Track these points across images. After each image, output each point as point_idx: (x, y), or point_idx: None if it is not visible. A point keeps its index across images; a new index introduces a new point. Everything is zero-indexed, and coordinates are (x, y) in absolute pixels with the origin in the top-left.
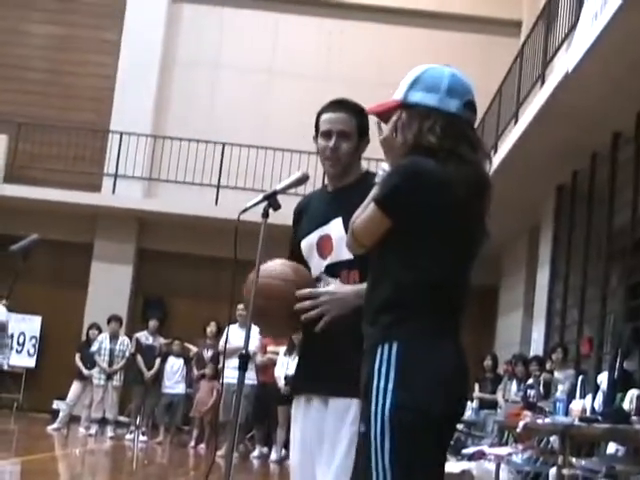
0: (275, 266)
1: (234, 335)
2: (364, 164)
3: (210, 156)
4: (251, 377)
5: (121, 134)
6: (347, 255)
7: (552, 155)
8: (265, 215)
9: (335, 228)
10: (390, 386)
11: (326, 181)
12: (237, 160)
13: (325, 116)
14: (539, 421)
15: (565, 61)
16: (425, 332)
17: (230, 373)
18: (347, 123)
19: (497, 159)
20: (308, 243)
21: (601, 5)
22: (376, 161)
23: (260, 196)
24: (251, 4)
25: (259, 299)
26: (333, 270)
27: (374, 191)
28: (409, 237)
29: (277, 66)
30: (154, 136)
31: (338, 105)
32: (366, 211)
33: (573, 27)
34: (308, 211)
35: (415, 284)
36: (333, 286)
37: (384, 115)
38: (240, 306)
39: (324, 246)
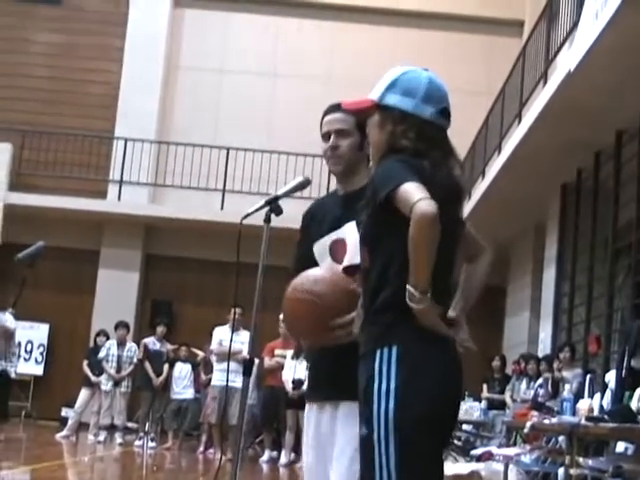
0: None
1: (225, 338)
2: None
3: (215, 161)
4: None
5: (126, 140)
6: (355, 260)
7: (556, 154)
8: (267, 220)
9: (349, 232)
10: (392, 387)
11: (333, 185)
12: (242, 164)
13: (324, 119)
14: (546, 421)
15: (567, 60)
16: (423, 333)
17: (222, 376)
18: (344, 121)
19: (501, 159)
20: (321, 246)
21: (601, 4)
22: None
23: (262, 201)
24: (252, 8)
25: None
26: (348, 273)
27: (373, 194)
28: (404, 236)
29: (280, 70)
30: (159, 142)
31: (336, 106)
32: (400, 199)
33: (575, 26)
34: (319, 215)
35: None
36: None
37: (359, 113)
38: (237, 310)
39: (338, 250)
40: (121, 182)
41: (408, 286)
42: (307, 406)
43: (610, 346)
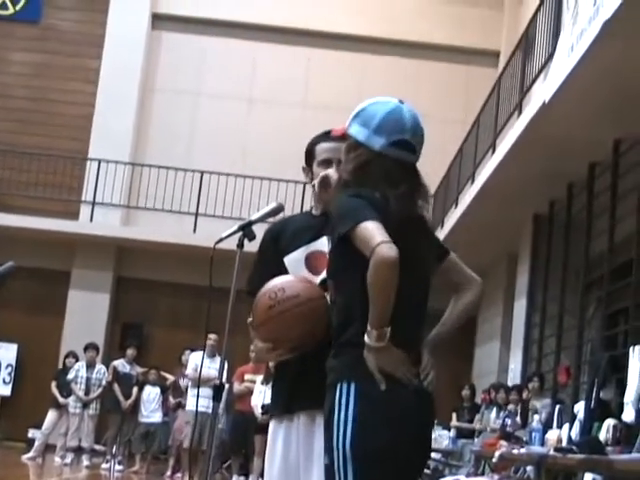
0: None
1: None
2: None
3: (189, 184)
4: (220, 406)
5: (99, 161)
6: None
7: (529, 184)
8: (240, 245)
9: (327, 245)
10: (350, 418)
11: (307, 207)
12: (215, 188)
13: (324, 145)
14: (515, 451)
15: (542, 92)
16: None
17: (194, 401)
18: None
19: (475, 188)
20: (294, 259)
21: (577, 37)
22: None
23: (235, 226)
24: (230, 32)
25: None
26: (324, 288)
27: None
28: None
29: (256, 95)
30: (132, 164)
31: (337, 136)
32: (356, 242)
33: (550, 58)
34: (288, 231)
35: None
36: None
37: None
38: (212, 335)
39: (316, 262)
40: (94, 203)
41: (368, 327)
42: (274, 423)
43: (580, 377)
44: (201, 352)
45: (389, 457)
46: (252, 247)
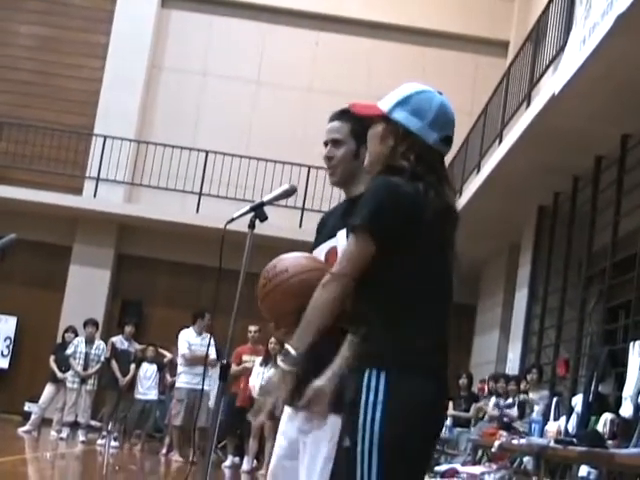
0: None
1: (193, 342)
2: None
3: (193, 163)
4: (212, 385)
5: (105, 137)
6: None
7: (535, 175)
8: (252, 226)
9: (341, 240)
10: (380, 399)
11: (311, 190)
12: (220, 168)
13: (325, 128)
14: (515, 441)
15: (552, 84)
16: (409, 358)
17: (190, 379)
18: (338, 130)
19: (480, 178)
20: (317, 254)
21: (589, 30)
22: None
23: (247, 207)
24: (240, 13)
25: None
26: None
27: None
28: (390, 266)
29: (264, 76)
30: (138, 141)
31: (335, 114)
32: (346, 245)
33: (561, 50)
34: (326, 221)
35: (397, 307)
36: None
37: (364, 117)
38: (207, 315)
39: (331, 258)
40: (98, 179)
41: (286, 345)
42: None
43: (578, 370)
44: (190, 329)
45: (416, 445)
46: (262, 230)
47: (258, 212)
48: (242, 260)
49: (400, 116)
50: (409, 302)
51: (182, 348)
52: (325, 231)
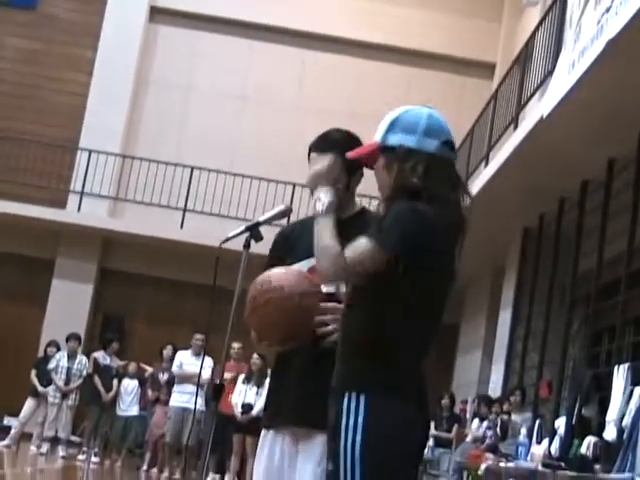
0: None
1: (186, 362)
2: (357, 200)
3: (178, 179)
4: (201, 403)
5: (90, 152)
6: (329, 288)
7: (521, 197)
8: (247, 246)
9: None
10: (360, 421)
11: (296, 208)
12: (205, 185)
13: (312, 155)
14: (502, 464)
15: (540, 106)
16: (390, 385)
17: (179, 397)
18: None
19: (466, 199)
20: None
21: (579, 54)
22: (369, 198)
23: (242, 227)
24: (227, 30)
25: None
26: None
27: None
28: (398, 282)
29: (250, 93)
30: (123, 156)
31: (324, 143)
32: (361, 244)
33: (549, 74)
34: (297, 238)
35: (383, 335)
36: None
37: (367, 159)
38: (197, 335)
39: (313, 277)
40: (82, 193)
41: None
42: (263, 432)
43: (561, 392)
44: (187, 351)
45: (397, 467)
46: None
47: (254, 232)
48: (231, 278)
49: (394, 139)
50: (398, 328)
51: (173, 366)
52: (296, 247)
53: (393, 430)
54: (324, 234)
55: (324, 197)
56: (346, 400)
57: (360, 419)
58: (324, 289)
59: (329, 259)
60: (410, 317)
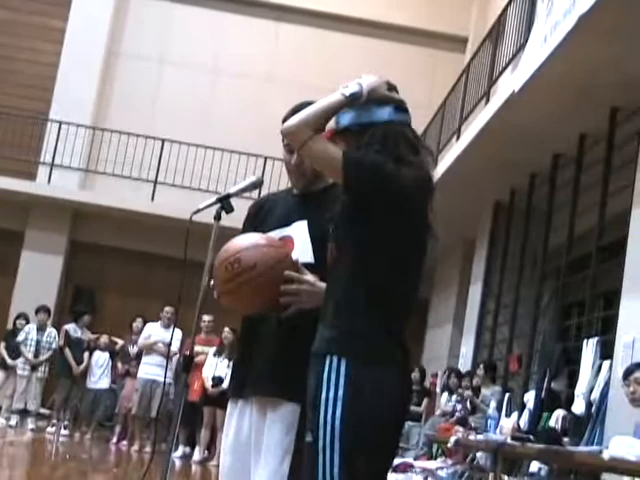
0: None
1: (155, 334)
2: None
3: (149, 151)
4: (170, 376)
5: (60, 123)
6: (308, 258)
7: (492, 171)
8: (217, 218)
9: (299, 230)
10: (340, 395)
11: (267, 180)
12: (176, 157)
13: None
14: (471, 437)
15: (511, 81)
16: (376, 352)
17: (147, 369)
18: None
19: (437, 172)
20: None
21: (551, 28)
22: None
23: (213, 198)
24: (199, 2)
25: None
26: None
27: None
28: (364, 235)
29: (222, 66)
30: (93, 127)
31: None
32: (330, 147)
33: (521, 48)
34: (269, 209)
35: (367, 292)
36: (312, 278)
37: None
38: (167, 308)
39: (286, 246)
40: (52, 165)
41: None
42: (230, 403)
43: (530, 366)
44: (156, 323)
45: (377, 438)
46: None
47: (225, 204)
48: (202, 250)
49: (345, 119)
50: (384, 280)
51: (140, 337)
52: (268, 217)
53: (374, 403)
54: (323, 102)
55: (355, 87)
56: (327, 367)
57: (340, 392)
58: (301, 260)
59: (302, 119)
60: (394, 270)
